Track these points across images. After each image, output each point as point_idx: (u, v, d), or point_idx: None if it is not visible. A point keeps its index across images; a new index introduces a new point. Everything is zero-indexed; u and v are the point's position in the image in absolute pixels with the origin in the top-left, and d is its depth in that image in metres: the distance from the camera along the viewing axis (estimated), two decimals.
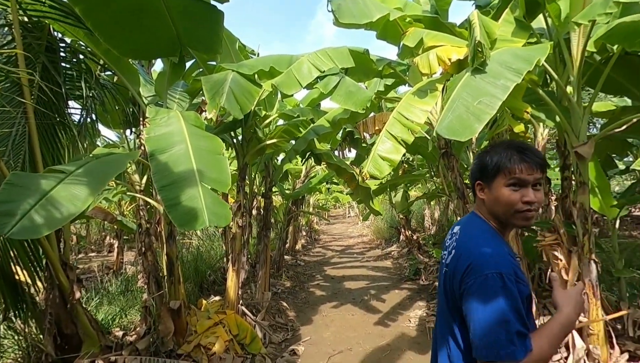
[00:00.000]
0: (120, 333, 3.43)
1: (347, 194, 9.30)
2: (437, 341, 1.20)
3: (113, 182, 4.75)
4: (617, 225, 3.55)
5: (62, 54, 2.96)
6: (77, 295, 2.67)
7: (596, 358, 2.78)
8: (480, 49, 2.19)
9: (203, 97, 3.74)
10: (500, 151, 1.07)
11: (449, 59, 2.63)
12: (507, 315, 0.91)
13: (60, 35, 3.00)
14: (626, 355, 2.86)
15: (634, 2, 2.10)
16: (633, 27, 2.13)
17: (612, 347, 2.89)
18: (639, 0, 2.18)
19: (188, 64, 3.79)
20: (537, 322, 3.48)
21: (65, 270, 2.66)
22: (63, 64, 2.93)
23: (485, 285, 0.94)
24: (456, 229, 1.17)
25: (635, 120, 2.68)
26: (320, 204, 16.75)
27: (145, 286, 3.42)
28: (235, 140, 4.20)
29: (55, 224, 1.80)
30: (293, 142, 4.64)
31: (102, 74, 3.49)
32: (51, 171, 2.13)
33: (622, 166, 5.93)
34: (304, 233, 12.86)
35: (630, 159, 6.83)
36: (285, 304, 5.29)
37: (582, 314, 2.87)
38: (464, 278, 0.99)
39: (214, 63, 3.69)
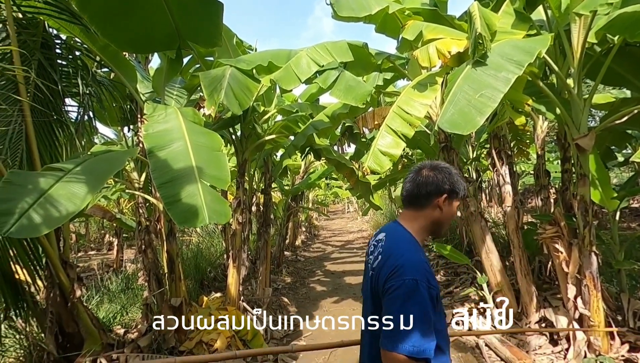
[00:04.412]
0: (121, 331, 3.42)
1: (346, 189, 9.30)
2: (363, 338, 1.31)
3: (112, 180, 4.73)
4: (617, 217, 3.55)
5: (57, 50, 2.92)
6: (78, 293, 2.67)
7: (597, 350, 2.80)
8: (481, 41, 2.17)
9: (201, 93, 3.71)
10: (459, 179, 1.29)
11: (449, 52, 2.61)
12: (425, 316, 1.08)
13: (55, 32, 2.96)
14: (627, 346, 2.88)
15: None
16: (635, 17, 2.11)
17: (613, 338, 2.91)
18: None
19: (185, 60, 3.76)
20: (536, 314, 3.49)
21: (65, 269, 2.65)
22: (59, 61, 2.89)
23: (403, 287, 1.10)
24: (380, 236, 1.31)
25: (636, 111, 2.68)
26: (320, 200, 16.77)
27: (146, 284, 3.41)
28: (234, 136, 4.18)
29: (55, 223, 1.79)
30: (292, 138, 4.62)
31: (99, 71, 3.45)
32: (49, 169, 2.11)
33: (621, 159, 5.92)
34: (304, 229, 12.87)
35: (629, 151, 6.83)
36: (286, 300, 5.30)
37: (583, 306, 2.89)
38: (388, 280, 1.14)
39: (212, 59, 3.66)
